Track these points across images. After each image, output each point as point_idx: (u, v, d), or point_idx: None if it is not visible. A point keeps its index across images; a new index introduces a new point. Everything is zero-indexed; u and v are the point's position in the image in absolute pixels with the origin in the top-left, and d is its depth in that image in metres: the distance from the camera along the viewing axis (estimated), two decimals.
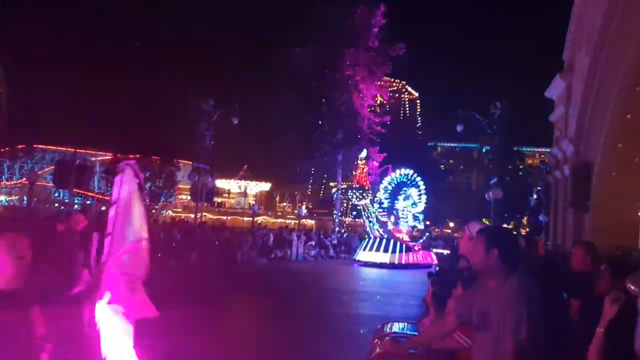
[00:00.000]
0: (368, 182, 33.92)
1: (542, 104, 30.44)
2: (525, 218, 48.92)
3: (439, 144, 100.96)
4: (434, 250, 28.30)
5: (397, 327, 5.12)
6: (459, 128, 24.45)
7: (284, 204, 71.66)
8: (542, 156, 64.22)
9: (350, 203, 34.58)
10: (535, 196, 35.55)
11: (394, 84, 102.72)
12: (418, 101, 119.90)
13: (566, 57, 25.26)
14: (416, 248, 27.32)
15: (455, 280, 4.18)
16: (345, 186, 35.97)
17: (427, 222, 57.82)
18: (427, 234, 30.24)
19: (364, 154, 33.75)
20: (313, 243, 29.83)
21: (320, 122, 41.73)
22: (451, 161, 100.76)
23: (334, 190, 37.76)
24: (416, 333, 4.62)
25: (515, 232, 8.65)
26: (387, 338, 4.53)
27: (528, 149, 79.26)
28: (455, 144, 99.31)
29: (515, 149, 53.19)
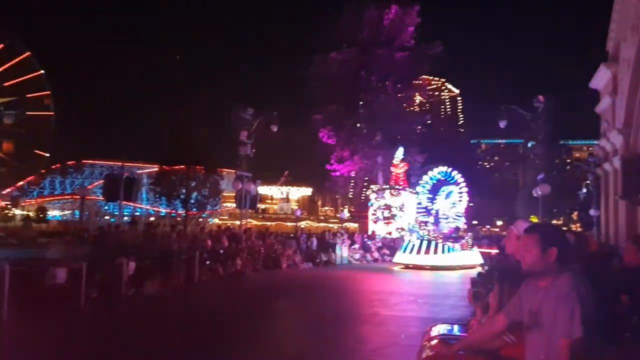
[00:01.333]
0: (405, 181, 33.55)
1: (587, 96, 29.59)
2: (576, 213, 47.54)
3: (482, 141, 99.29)
4: (479, 250, 27.51)
5: (445, 328, 5.08)
6: (502, 124, 23.92)
7: (326, 208, 71.83)
8: (590, 149, 62.34)
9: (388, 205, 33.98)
10: (584, 190, 34.44)
11: (433, 83, 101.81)
12: (459, 98, 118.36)
13: (610, 46, 24.56)
14: (458, 248, 26.21)
15: (505, 280, 4.13)
16: (378, 187, 35.51)
17: (475, 222, 56.97)
18: (471, 233, 29.10)
19: (400, 152, 33.45)
20: (357, 246, 29.78)
21: (358, 125, 41.66)
22: (496, 158, 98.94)
23: (368, 192, 37.34)
24: (465, 334, 4.58)
25: (563, 229, 8.44)
26: (435, 340, 4.50)
27: (575, 142, 77.17)
28: (500, 140, 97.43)
29: (562, 142, 51.89)
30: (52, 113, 27.06)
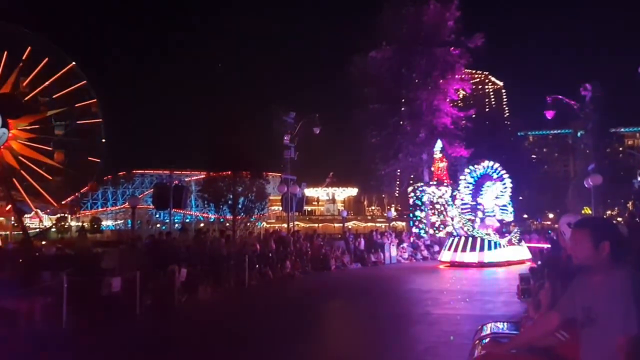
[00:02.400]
0: (448, 176, 32.83)
1: (636, 82, 28.43)
2: (631, 203, 45.75)
3: (529, 132, 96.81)
4: (526, 245, 26.25)
5: (497, 327, 4.99)
6: (549, 115, 23.27)
7: (373, 207, 71.62)
8: None
9: (431, 201, 33.18)
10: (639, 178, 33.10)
11: (476, 76, 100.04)
12: (503, 91, 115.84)
13: None
14: (505, 244, 25.20)
15: (556, 276, 4.04)
16: (420, 183, 34.88)
17: (525, 215, 55.61)
18: (518, 227, 28.07)
19: (439, 146, 32.84)
20: (405, 245, 29.54)
21: (401, 123, 41.28)
22: (545, 150, 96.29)
23: (410, 189, 36.70)
24: (517, 332, 4.50)
25: (614, 221, 8.10)
26: (487, 339, 4.44)
27: (628, 130, 74.34)
28: (548, 132, 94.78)
29: (613, 130, 50.03)
30: (100, 120, 27.94)
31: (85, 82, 27.20)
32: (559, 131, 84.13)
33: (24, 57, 25.92)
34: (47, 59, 26.25)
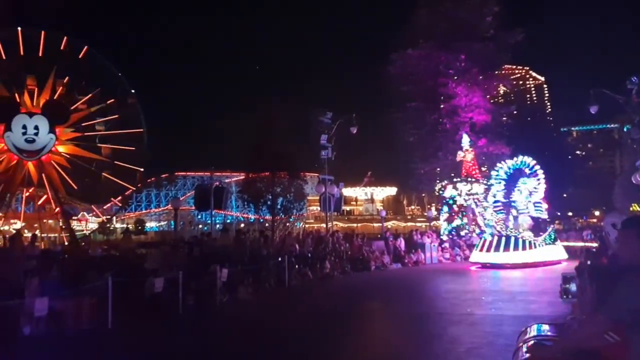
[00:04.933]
0: (478, 171, 31.70)
1: None
2: None
3: (573, 128, 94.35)
4: (562, 243, 25.14)
5: (541, 329, 4.87)
6: (593, 109, 22.50)
7: (412, 207, 70.98)
8: None
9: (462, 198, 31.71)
10: None
11: (517, 71, 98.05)
12: (545, 86, 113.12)
13: None
14: (541, 243, 23.89)
15: (603, 276, 3.91)
16: (449, 181, 33.82)
17: (569, 213, 54.15)
18: (553, 226, 26.48)
19: (466, 139, 31.98)
20: (446, 245, 29.16)
21: (441, 121, 40.83)
22: (589, 145, 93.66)
23: (437, 187, 35.66)
24: (562, 335, 4.38)
25: None
26: (532, 341, 4.33)
27: None
28: (592, 127, 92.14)
29: None
30: (139, 112, 28.59)
31: (119, 75, 27.83)
32: (604, 126, 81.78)
33: (57, 59, 26.65)
34: (83, 52, 26.90)
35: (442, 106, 41.36)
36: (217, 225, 45.72)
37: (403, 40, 40.50)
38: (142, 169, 28.34)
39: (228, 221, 56.84)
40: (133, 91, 28.22)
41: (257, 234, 23.10)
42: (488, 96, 41.99)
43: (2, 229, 27.03)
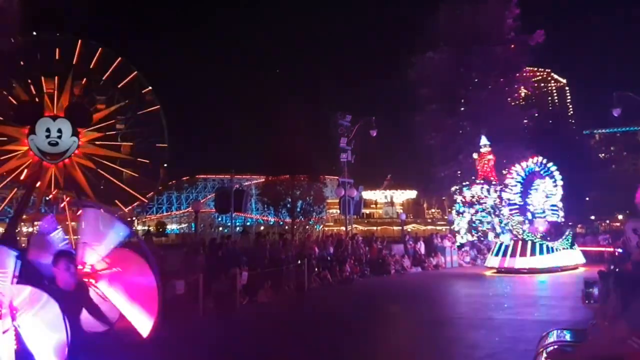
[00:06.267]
0: (495, 174, 31.09)
1: None
2: None
3: (595, 131, 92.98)
4: (580, 248, 24.41)
5: (562, 334, 4.81)
6: (616, 112, 22.15)
7: (433, 210, 70.56)
8: None
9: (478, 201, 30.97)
10: None
11: (538, 74, 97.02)
12: (567, 88, 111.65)
13: None
14: (558, 248, 23.12)
15: (625, 281, 3.86)
16: (463, 184, 33.26)
17: (592, 217, 53.30)
18: (569, 230, 25.76)
19: (484, 140, 31.52)
20: (467, 249, 28.93)
21: (461, 123, 40.55)
22: (612, 148, 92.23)
23: (453, 189, 35.02)
24: (584, 341, 4.32)
25: None
26: (552, 347, 4.29)
27: None
28: (615, 130, 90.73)
29: None
30: (158, 107, 28.85)
31: (136, 73, 28.09)
32: (627, 129, 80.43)
33: (74, 61, 27.01)
34: (98, 53, 27.24)
35: (462, 109, 41.10)
36: (237, 228, 45.99)
37: (423, 43, 40.37)
38: (165, 164, 28.56)
39: (248, 224, 57.19)
40: (150, 88, 28.47)
41: (276, 236, 23.18)
42: (509, 99, 41.61)
43: (26, 230, 27.50)
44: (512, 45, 39.55)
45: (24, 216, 26.80)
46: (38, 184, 26.09)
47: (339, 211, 36.29)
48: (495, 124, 39.14)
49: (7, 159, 25.77)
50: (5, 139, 25.64)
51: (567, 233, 24.13)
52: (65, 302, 4.46)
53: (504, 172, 30.70)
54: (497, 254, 23.79)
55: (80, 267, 4.87)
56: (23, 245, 20.06)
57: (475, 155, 31.78)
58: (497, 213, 25.38)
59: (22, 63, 26.25)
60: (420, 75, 40.42)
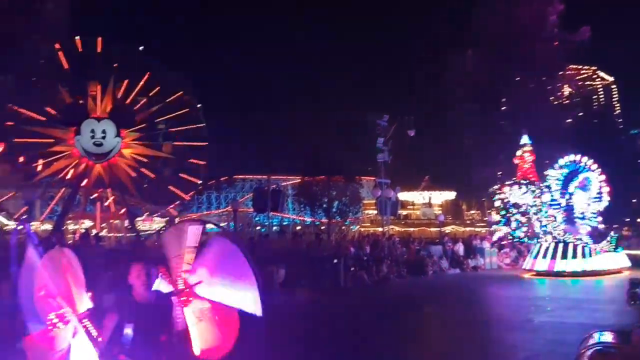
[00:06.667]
0: (535, 174, 30.31)
1: None
2: None
3: None
4: (625, 251, 23.33)
5: (605, 337, 4.71)
6: None
7: (472, 211, 69.52)
8: None
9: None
10: None
11: (583, 72, 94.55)
12: (614, 86, 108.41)
13: None
14: (600, 250, 22.25)
15: None
16: (502, 184, 32.37)
17: (639, 220, 51.59)
18: (613, 232, 24.34)
19: (525, 139, 30.80)
20: (507, 250, 28.43)
21: (502, 123, 39.93)
22: None
23: (492, 189, 34.27)
24: (628, 343, 4.22)
25: None
26: (594, 349, 4.20)
27: None
28: None
29: None
30: (197, 105, 29.37)
31: (174, 73, 28.63)
32: None
33: (115, 63, 27.68)
34: (138, 54, 27.84)
35: (502, 108, 40.47)
36: (274, 227, 46.36)
37: (462, 41, 39.96)
38: (204, 162, 29.03)
39: (285, 223, 57.53)
40: (189, 88, 28.97)
41: (313, 236, 23.29)
42: (551, 98, 40.75)
43: (72, 228, 28.37)
44: (555, 43, 38.71)
45: (70, 214, 27.62)
46: (84, 182, 26.96)
47: (375, 212, 36.22)
48: (537, 124, 38.39)
49: (56, 159, 26.70)
50: (52, 140, 26.56)
51: (610, 236, 23.27)
52: (139, 316, 3.94)
53: (545, 173, 29.99)
54: (536, 256, 23.10)
55: (175, 283, 4.15)
56: (69, 242, 20.79)
57: (519, 153, 31.12)
58: (537, 214, 24.70)
59: (66, 67, 27.08)
60: (460, 74, 39.99)
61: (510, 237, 30.60)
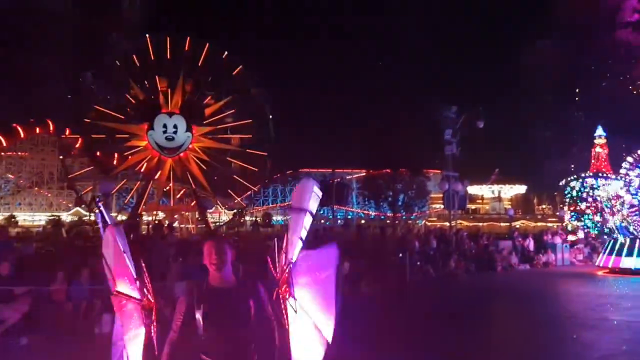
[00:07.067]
0: (609, 167, 28.76)
1: None
2: None
3: None
4: None
5: None
6: None
7: (543, 206, 67.21)
8: None
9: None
10: None
11: None
12: None
13: None
14: None
15: None
16: (576, 176, 30.72)
17: None
18: None
19: (600, 131, 29.23)
20: (581, 246, 27.30)
21: (576, 114, 38.35)
22: None
23: (562, 182, 32.63)
24: None
25: None
26: None
27: None
28: None
29: None
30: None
31: (241, 66, 29.12)
32: None
33: (183, 59, 28.40)
34: (205, 50, 28.46)
35: (577, 99, 38.83)
36: (339, 221, 46.54)
37: (536, 30, 38.58)
38: (270, 154, 29.53)
39: (349, 217, 57.65)
40: (255, 80, 29.46)
41: (377, 230, 23.22)
42: (630, 87, 38.70)
43: (146, 219, 29.60)
44: (636, 29, 36.70)
45: (144, 206, 28.84)
46: (157, 175, 28.08)
47: (442, 206, 35.66)
48: (615, 115, 36.58)
49: (131, 153, 27.97)
50: (128, 135, 27.80)
51: None
52: (211, 301, 3.44)
53: (625, 167, 28.57)
54: (610, 253, 21.96)
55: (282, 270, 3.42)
56: (144, 232, 21.69)
57: (599, 142, 29.63)
58: (611, 208, 23.54)
59: (137, 64, 28.20)
60: (532, 64, 38.71)
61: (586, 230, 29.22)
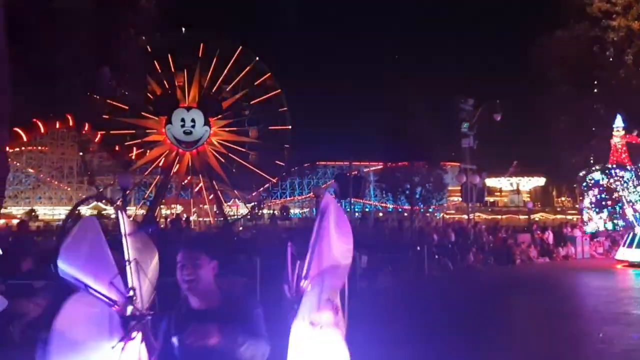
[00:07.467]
0: (629, 159, 28.16)
1: None
2: None
3: None
4: None
5: None
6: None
7: (563, 198, 66.53)
8: None
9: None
10: None
11: None
12: None
13: None
14: None
15: None
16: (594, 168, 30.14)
17: None
18: None
19: (619, 122, 28.61)
20: (601, 239, 26.97)
21: (594, 106, 37.76)
22: None
23: (581, 174, 31.97)
24: None
25: None
26: None
27: None
28: None
29: None
30: (279, 90, 29.93)
31: (257, 58, 29.26)
32: None
33: (200, 54, 28.55)
34: (218, 50, 28.59)
35: (595, 90, 38.25)
36: (356, 214, 46.53)
37: (551, 19, 38.01)
38: (289, 145, 29.67)
39: (367, 210, 57.58)
40: (270, 74, 29.56)
41: (395, 223, 23.18)
42: None
43: (165, 213, 29.91)
44: None
45: (163, 200, 29.14)
46: (175, 169, 28.35)
47: (460, 198, 35.45)
48: (633, 106, 35.94)
49: (149, 148, 28.25)
50: (145, 130, 28.06)
51: None
52: (189, 330, 2.63)
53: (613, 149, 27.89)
54: (630, 246, 21.66)
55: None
56: (162, 225, 21.92)
57: (617, 134, 29.11)
58: (630, 201, 23.19)
59: (154, 59, 28.43)
60: (549, 55, 38.14)
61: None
